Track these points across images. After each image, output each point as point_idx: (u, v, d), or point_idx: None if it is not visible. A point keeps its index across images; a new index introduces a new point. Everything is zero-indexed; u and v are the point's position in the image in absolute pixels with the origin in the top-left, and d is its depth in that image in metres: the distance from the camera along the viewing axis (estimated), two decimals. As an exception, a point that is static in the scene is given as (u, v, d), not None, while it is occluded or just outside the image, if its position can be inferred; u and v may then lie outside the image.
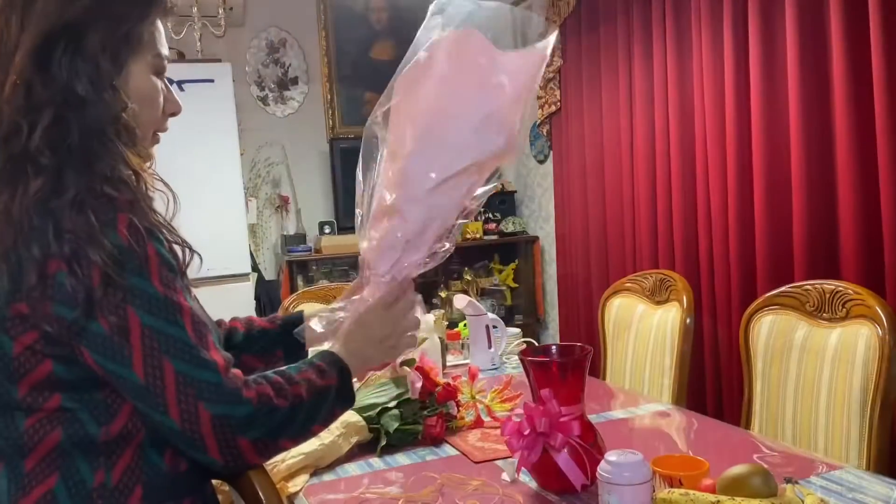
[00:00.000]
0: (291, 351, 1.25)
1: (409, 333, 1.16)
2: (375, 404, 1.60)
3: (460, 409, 1.67)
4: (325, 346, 1.12)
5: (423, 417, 1.59)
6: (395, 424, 1.55)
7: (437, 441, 1.57)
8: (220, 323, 1.26)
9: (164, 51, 0.99)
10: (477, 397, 1.73)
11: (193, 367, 0.87)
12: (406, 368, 1.77)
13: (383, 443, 1.52)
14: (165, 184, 0.96)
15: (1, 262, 0.85)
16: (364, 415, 1.58)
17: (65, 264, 0.82)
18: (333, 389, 1.00)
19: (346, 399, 1.03)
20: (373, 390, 1.71)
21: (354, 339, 1.10)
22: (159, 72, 0.99)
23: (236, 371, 0.92)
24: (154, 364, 0.85)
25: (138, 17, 0.93)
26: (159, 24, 0.98)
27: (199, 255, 0.96)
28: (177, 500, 0.95)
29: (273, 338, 1.26)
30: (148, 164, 0.97)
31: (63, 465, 0.89)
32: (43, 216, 0.83)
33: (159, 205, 0.94)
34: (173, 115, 1.05)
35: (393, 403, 1.60)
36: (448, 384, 1.67)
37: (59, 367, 0.87)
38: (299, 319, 1.27)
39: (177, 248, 0.92)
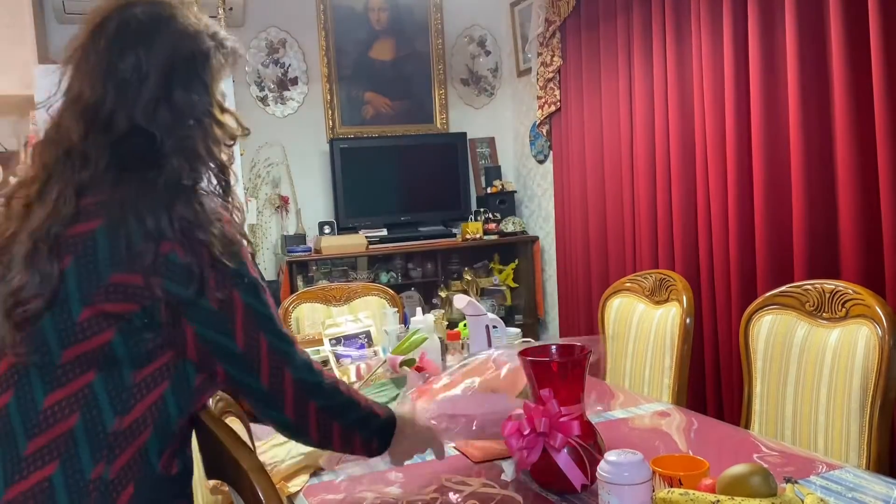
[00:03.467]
0: None
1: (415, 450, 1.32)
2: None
3: None
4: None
5: None
6: None
7: None
8: None
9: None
10: None
11: (280, 340, 1.04)
12: (406, 368, 1.76)
13: None
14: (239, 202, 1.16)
15: (103, 237, 0.94)
16: None
17: (178, 246, 0.95)
18: (380, 420, 1.18)
19: (383, 438, 1.19)
20: (373, 390, 1.70)
21: (406, 431, 1.24)
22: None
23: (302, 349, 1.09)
24: (252, 336, 1.01)
25: (223, 59, 1.12)
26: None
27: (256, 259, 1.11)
28: (164, 502, 1.00)
29: None
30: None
31: (66, 453, 0.92)
32: (157, 199, 0.96)
33: None
34: None
35: (393, 404, 1.60)
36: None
37: (118, 340, 0.94)
38: None
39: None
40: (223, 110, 1.10)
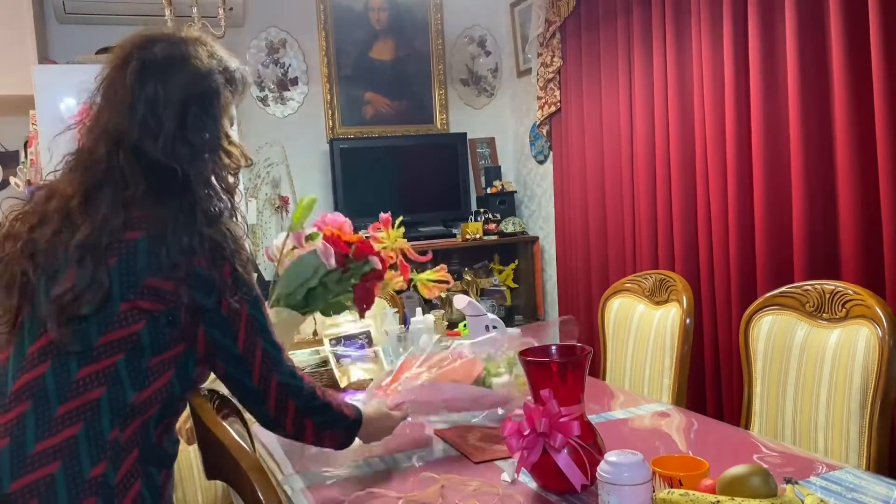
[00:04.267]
0: None
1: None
2: (298, 287, 1.55)
3: (384, 262, 1.60)
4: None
5: (351, 285, 1.54)
6: (324, 300, 1.51)
7: (369, 306, 1.57)
8: None
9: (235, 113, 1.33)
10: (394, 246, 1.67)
11: (273, 348, 1.21)
12: (313, 242, 1.65)
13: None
14: (244, 217, 1.30)
15: (143, 246, 1.09)
16: (291, 302, 1.53)
17: (205, 262, 1.12)
18: (349, 420, 1.35)
19: (349, 435, 1.36)
20: (290, 271, 1.61)
21: (371, 425, 1.41)
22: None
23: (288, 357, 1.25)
24: (251, 341, 1.18)
25: (231, 94, 1.29)
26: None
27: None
28: (157, 467, 1.14)
29: None
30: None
31: (90, 418, 1.07)
32: (197, 226, 1.13)
33: None
34: None
35: (315, 281, 1.55)
36: (362, 239, 1.59)
37: (146, 330, 1.10)
38: None
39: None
40: (230, 142, 1.25)
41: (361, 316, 1.62)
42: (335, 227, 1.61)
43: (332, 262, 1.54)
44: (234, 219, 1.23)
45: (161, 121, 1.16)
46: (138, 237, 1.11)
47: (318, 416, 1.28)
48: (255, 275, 1.23)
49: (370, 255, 1.58)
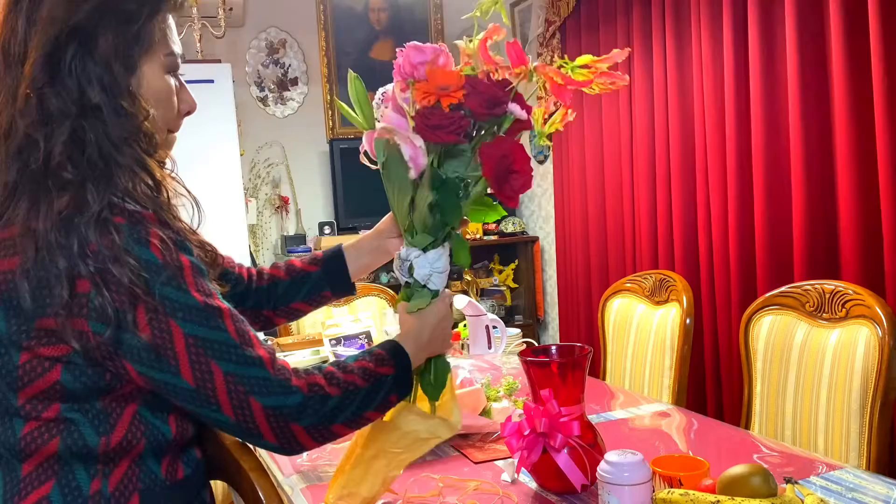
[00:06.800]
0: (338, 288, 1.29)
1: (449, 334, 1.18)
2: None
3: (526, 105, 1.02)
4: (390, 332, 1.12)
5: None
6: (457, 204, 1.06)
7: (526, 179, 1.02)
8: (260, 271, 1.27)
9: (177, 48, 0.98)
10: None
11: (240, 366, 0.88)
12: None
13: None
14: (188, 190, 0.98)
15: (22, 279, 0.83)
16: (429, 238, 1.12)
17: (91, 284, 0.82)
18: (391, 377, 1.01)
19: (403, 386, 1.03)
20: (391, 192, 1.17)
21: (413, 326, 1.10)
22: (172, 70, 0.98)
23: (283, 362, 0.94)
24: (203, 369, 0.87)
25: (148, 15, 0.92)
26: (171, 20, 0.97)
27: (223, 257, 1.01)
28: (185, 501, 0.97)
29: (317, 280, 1.27)
30: (168, 168, 0.99)
31: (60, 472, 0.89)
32: (68, 234, 0.83)
33: (182, 212, 0.97)
34: (188, 113, 1.04)
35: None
36: (479, 81, 1.01)
37: (67, 376, 0.86)
38: (339, 253, 1.29)
39: (199, 251, 0.94)
40: (133, 96, 0.91)
41: (515, 204, 1.02)
42: (432, 74, 0.92)
43: (422, 160, 1.00)
44: (164, 215, 0.90)
45: (25, 76, 0.86)
46: (14, 267, 0.84)
47: (343, 413, 0.95)
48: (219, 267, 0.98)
49: (503, 103, 0.93)
